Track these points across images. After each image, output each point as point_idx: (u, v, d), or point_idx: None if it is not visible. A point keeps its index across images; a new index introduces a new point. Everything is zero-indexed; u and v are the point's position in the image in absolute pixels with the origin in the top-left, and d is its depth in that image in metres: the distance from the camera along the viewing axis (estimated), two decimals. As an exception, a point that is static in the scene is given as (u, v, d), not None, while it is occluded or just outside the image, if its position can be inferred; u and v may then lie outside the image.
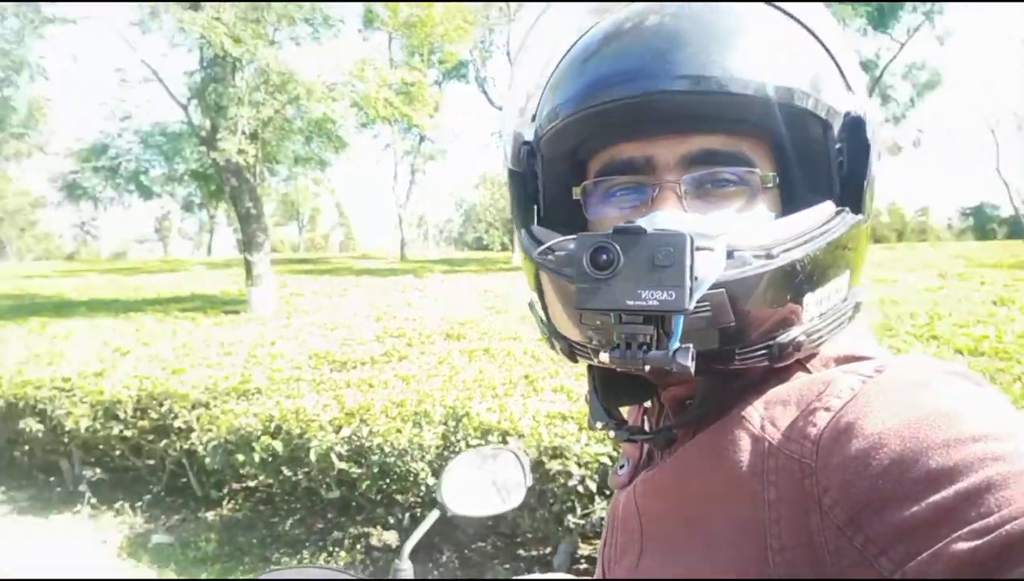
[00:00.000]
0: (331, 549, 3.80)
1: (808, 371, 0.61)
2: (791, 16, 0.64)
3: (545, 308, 0.66)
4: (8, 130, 11.91)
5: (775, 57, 0.60)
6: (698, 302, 0.52)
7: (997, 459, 0.44)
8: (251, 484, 4.45)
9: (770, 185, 0.63)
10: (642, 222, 0.52)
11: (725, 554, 0.55)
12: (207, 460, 3.95)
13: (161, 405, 4.33)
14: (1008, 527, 0.40)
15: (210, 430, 3.97)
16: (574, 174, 0.69)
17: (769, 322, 0.57)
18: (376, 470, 3.47)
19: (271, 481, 4.04)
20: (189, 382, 4.50)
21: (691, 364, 0.51)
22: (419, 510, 3.61)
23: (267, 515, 4.24)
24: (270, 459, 3.68)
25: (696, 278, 0.51)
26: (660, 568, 0.61)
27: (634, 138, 0.63)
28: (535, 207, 0.72)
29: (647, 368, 0.52)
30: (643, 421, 0.75)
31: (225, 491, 4.47)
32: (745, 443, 0.57)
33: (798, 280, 0.57)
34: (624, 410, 0.74)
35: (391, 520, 3.71)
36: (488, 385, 4.07)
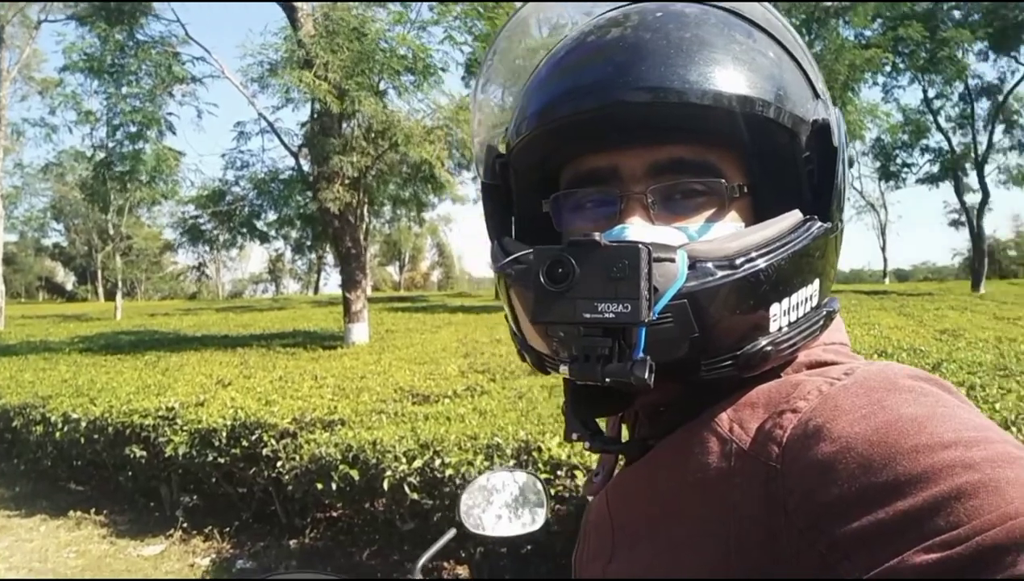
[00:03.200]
0: (405, 582, 3.81)
1: (780, 377, 0.60)
2: (756, 25, 0.64)
3: (515, 320, 0.67)
4: (138, 179, 12.95)
5: (738, 67, 0.60)
6: (661, 313, 0.52)
7: (967, 467, 0.43)
8: (333, 514, 4.55)
9: (737, 195, 0.62)
10: (597, 234, 0.52)
11: (688, 557, 0.55)
12: (290, 488, 4.08)
13: (252, 434, 4.52)
14: (979, 538, 0.38)
15: (294, 459, 4.10)
16: (545, 187, 0.69)
17: (735, 333, 0.57)
18: (447, 502, 3.47)
19: (350, 511, 4.12)
20: (279, 413, 4.68)
21: (649, 376, 0.51)
22: (490, 545, 3.57)
23: (346, 545, 4.31)
24: (347, 488, 3.75)
25: (656, 289, 0.51)
26: (627, 571, 0.62)
27: (599, 149, 0.64)
28: (510, 220, 0.73)
29: (607, 380, 0.51)
30: (620, 429, 0.74)
31: (308, 520, 4.59)
32: (713, 445, 0.57)
33: (764, 290, 0.57)
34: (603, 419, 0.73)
35: (463, 554, 3.68)
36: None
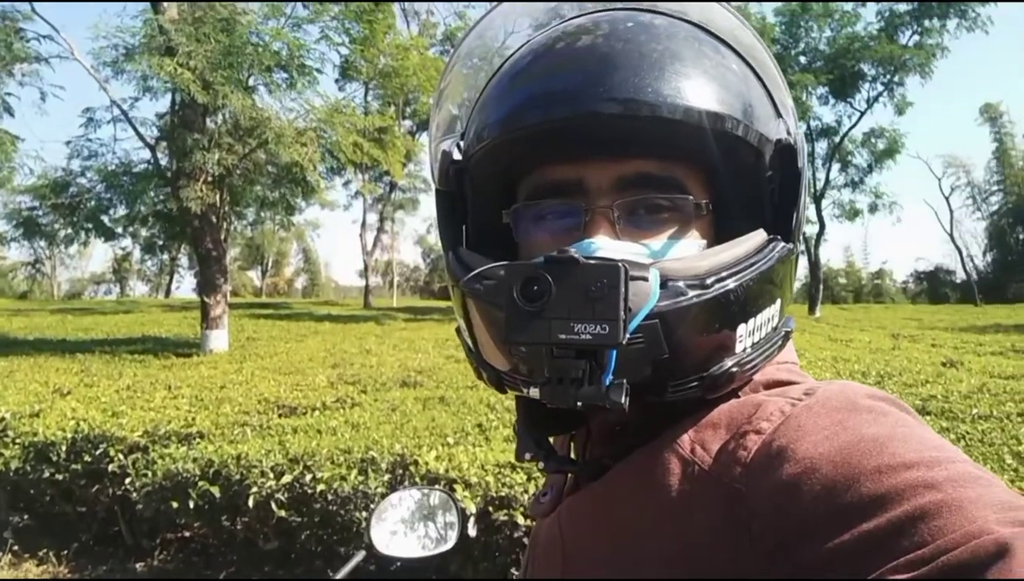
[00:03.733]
0: (267, 604, 3.62)
1: (738, 397, 0.60)
2: (724, 42, 0.64)
3: (473, 336, 0.64)
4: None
5: (708, 83, 0.59)
6: (632, 334, 0.50)
7: (929, 487, 0.43)
8: (186, 534, 4.25)
9: (703, 213, 0.61)
10: (574, 250, 0.49)
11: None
12: (140, 507, 3.77)
13: (96, 448, 4.14)
14: (944, 558, 0.39)
15: (145, 475, 3.79)
16: (504, 196, 0.67)
17: (703, 353, 0.56)
18: (317, 519, 3.34)
19: (206, 531, 3.87)
20: (128, 425, 4.32)
21: (625, 400, 0.49)
22: (401, 565, 3.47)
23: (200, 566, 4.04)
24: (206, 506, 3.52)
25: (629, 309, 0.49)
26: None
27: (565, 160, 0.62)
28: (464, 229, 0.70)
29: (579, 404, 0.49)
30: (570, 448, 0.72)
31: (157, 541, 4.26)
32: (675, 467, 0.55)
33: (732, 310, 0.56)
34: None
35: (330, 573, 3.55)
36: (439, 434, 3.99)
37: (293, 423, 4.46)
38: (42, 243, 13.57)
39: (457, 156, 0.68)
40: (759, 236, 0.60)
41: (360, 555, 1.16)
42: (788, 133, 0.63)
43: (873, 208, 29.13)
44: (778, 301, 0.61)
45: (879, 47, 23.15)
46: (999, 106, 41.19)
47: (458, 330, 0.68)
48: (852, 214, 28.91)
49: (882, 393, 0.55)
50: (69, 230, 12.35)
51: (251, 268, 62.32)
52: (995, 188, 42.02)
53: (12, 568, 4.20)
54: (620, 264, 0.48)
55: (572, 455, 0.71)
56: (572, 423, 0.68)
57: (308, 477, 3.37)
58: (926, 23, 23.23)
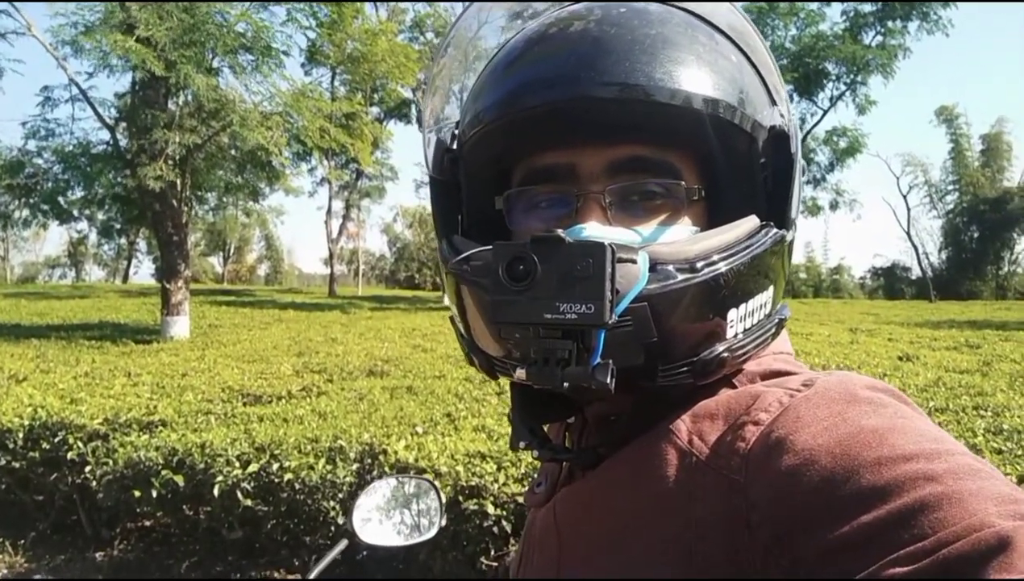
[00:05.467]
0: (231, 593, 3.58)
1: (734, 387, 0.60)
2: (717, 28, 0.64)
3: (464, 322, 0.63)
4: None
5: (702, 68, 0.59)
6: (620, 316, 0.50)
7: (929, 479, 0.43)
8: (147, 523, 4.17)
9: (696, 198, 0.61)
10: (561, 231, 0.49)
11: (646, 574, 0.53)
12: (100, 496, 3.69)
13: (54, 436, 4.04)
14: (944, 551, 0.39)
15: (106, 463, 3.71)
16: (498, 183, 0.66)
17: (693, 338, 0.56)
18: (284, 508, 3.31)
19: (169, 520, 3.81)
20: (88, 413, 4.22)
21: (610, 381, 0.49)
22: (383, 554, 3.45)
23: (161, 557, 3.97)
24: (169, 496, 3.46)
25: (617, 291, 0.49)
26: None
27: (558, 146, 0.62)
28: (458, 217, 0.70)
29: (565, 385, 0.49)
30: (565, 438, 0.72)
31: (118, 530, 4.17)
32: (672, 458, 0.55)
33: (722, 295, 0.56)
34: (547, 426, 0.71)
35: (296, 562, 3.52)
36: (408, 423, 3.97)
37: (259, 411, 4.40)
38: (-6, 224, 13.07)
39: (451, 144, 0.68)
40: (751, 222, 0.60)
41: (343, 544, 1.15)
42: (782, 118, 0.63)
43: (834, 205, 29.72)
44: (771, 288, 0.61)
45: (843, 47, 23.49)
46: (954, 108, 42.22)
47: (451, 318, 0.68)
48: (814, 210, 29.44)
49: (882, 384, 0.55)
50: (25, 212, 11.97)
51: (213, 254, 61.18)
52: (951, 187, 43.08)
53: (-35, 558, 4.08)
54: (607, 244, 0.48)
55: (567, 444, 0.70)
56: (566, 411, 0.68)
57: (275, 466, 3.34)
58: (889, 24, 23.66)
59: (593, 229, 0.58)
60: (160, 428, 4.04)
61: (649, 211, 0.61)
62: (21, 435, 4.08)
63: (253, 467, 3.35)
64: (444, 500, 1.15)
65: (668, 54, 0.58)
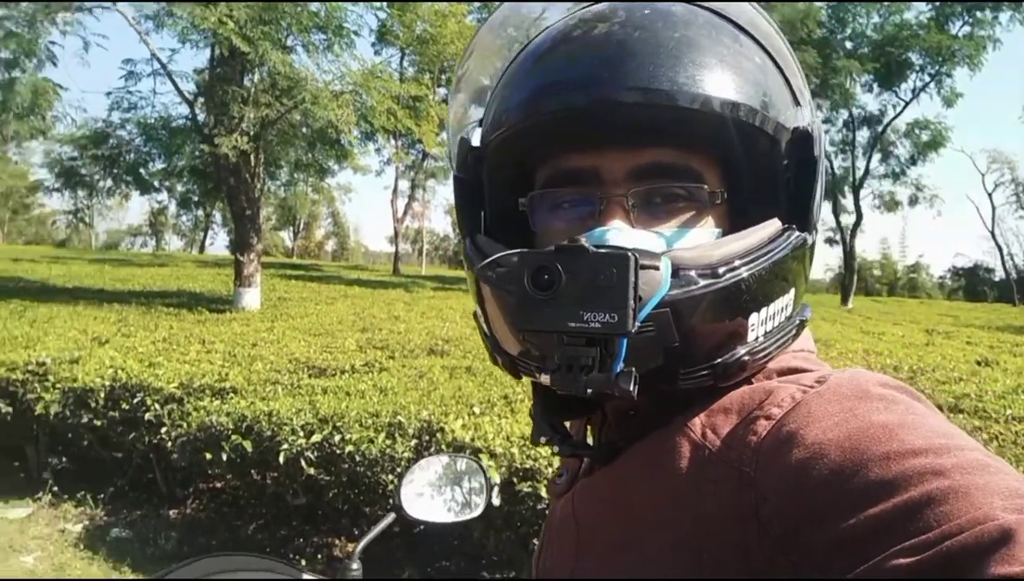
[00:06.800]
0: (292, 557, 3.72)
1: (750, 383, 0.60)
2: (741, 29, 0.63)
3: (488, 321, 0.65)
4: (11, 112, 11.78)
5: (725, 72, 0.59)
6: (642, 322, 0.51)
7: (937, 474, 0.43)
8: (217, 485, 4.37)
9: (718, 201, 0.62)
10: (585, 239, 0.50)
11: (658, 564, 0.54)
12: (174, 456, 3.89)
13: (133, 397, 4.26)
14: (948, 543, 0.39)
15: (180, 426, 3.90)
16: (521, 183, 0.67)
17: (714, 342, 0.56)
18: (345, 479, 3.42)
19: (237, 483, 3.98)
20: (164, 376, 4.44)
21: (633, 388, 0.50)
22: (428, 530, 3.55)
23: (230, 518, 4.16)
24: (238, 460, 3.62)
25: (640, 298, 0.50)
26: (593, 573, 0.60)
27: (581, 148, 0.62)
28: (481, 215, 0.71)
29: (589, 391, 0.50)
30: (587, 431, 0.73)
31: (190, 490, 4.39)
32: (685, 451, 0.56)
33: (744, 299, 0.56)
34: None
35: (355, 531, 3.64)
36: (466, 403, 4.03)
37: (323, 384, 4.54)
38: (81, 193, 13.75)
39: (475, 143, 0.69)
40: (773, 225, 0.60)
41: (390, 517, 1.19)
42: (805, 121, 0.63)
43: (913, 200, 28.54)
44: (792, 290, 0.61)
45: (928, 36, 22.40)
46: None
47: (475, 314, 0.69)
48: (891, 205, 28.30)
49: (894, 382, 0.55)
50: (109, 182, 12.56)
51: (283, 229, 62.96)
52: (1039, 186, 40.81)
53: (51, 507, 4.37)
54: (630, 253, 0.49)
55: (588, 438, 0.71)
56: (587, 408, 0.69)
57: (337, 438, 3.44)
58: (978, 14, 22.43)
59: (616, 232, 0.58)
60: (231, 395, 4.21)
61: (671, 213, 0.61)
62: (102, 395, 4.32)
63: (316, 437, 3.47)
64: (491, 481, 1.18)
65: (692, 58, 0.58)
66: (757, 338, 0.58)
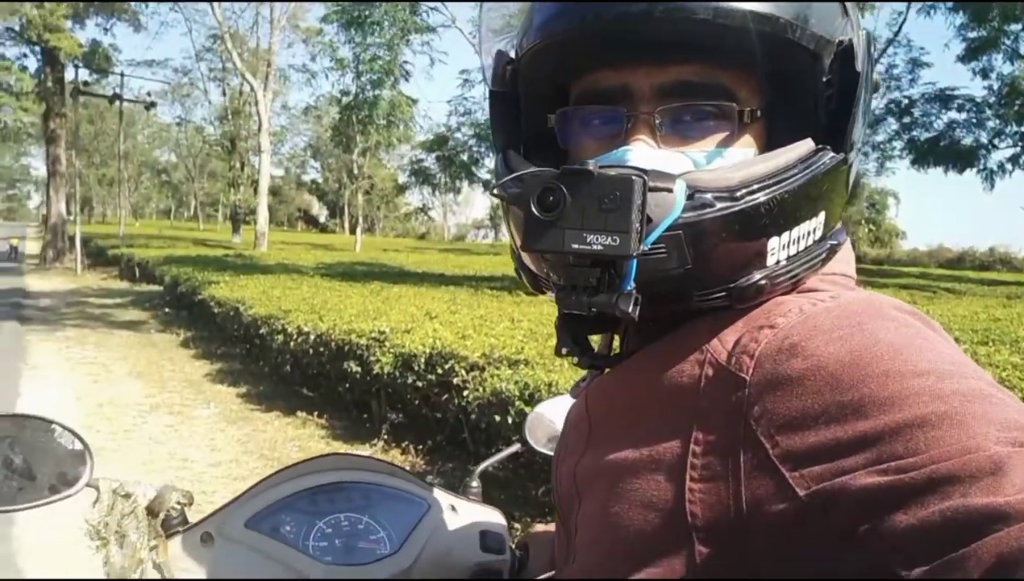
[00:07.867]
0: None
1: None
2: None
3: (513, 239, 0.67)
4: (376, 123, 14.12)
5: None
6: (654, 244, 0.51)
7: (935, 397, 0.42)
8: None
9: (751, 120, 0.58)
10: (592, 163, 0.50)
11: (650, 455, 0.56)
12: (473, 417, 4.35)
13: (446, 363, 4.86)
14: (933, 467, 0.38)
15: (479, 390, 4.36)
16: (556, 99, 0.67)
17: (730, 265, 0.55)
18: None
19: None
20: (472, 347, 4.97)
21: (633, 310, 0.51)
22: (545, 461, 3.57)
23: (524, 478, 4.52)
24: (521, 423, 3.92)
25: (650, 220, 0.50)
26: (595, 464, 0.63)
27: (613, 65, 0.61)
28: (518, 132, 0.71)
29: (593, 310, 0.52)
30: (612, 340, 0.74)
31: (493, 449, 4.86)
32: (689, 354, 0.57)
33: (763, 223, 0.55)
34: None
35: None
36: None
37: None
38: (429, 190, 15.97)
39: (512, 56, 0.68)
40: (805, 145, 0.58)
41: (515, 447, 1.23)
42: (853, 31, 0.59)
43: None
44: (822, 213, 0.59)
45: None
46: None
47: (509, 230, 0.71)
48: None
49: (911, 308, 0.53)
50: (447, 178, 14.37)
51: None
52: None
53: (384, 452, 5.20)
54: (634, 176, 0.49)
55: (617, 346, 0.72)
56: (604, 324, 0.68)
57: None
58: None
59: (638, 153, 0.57)
60: (523, 366, 4.57)
61: (702, 132, 0.59)
62: (423, 360, 4.99)
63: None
64: None
65: None
66: (778, 261, 0.56)
